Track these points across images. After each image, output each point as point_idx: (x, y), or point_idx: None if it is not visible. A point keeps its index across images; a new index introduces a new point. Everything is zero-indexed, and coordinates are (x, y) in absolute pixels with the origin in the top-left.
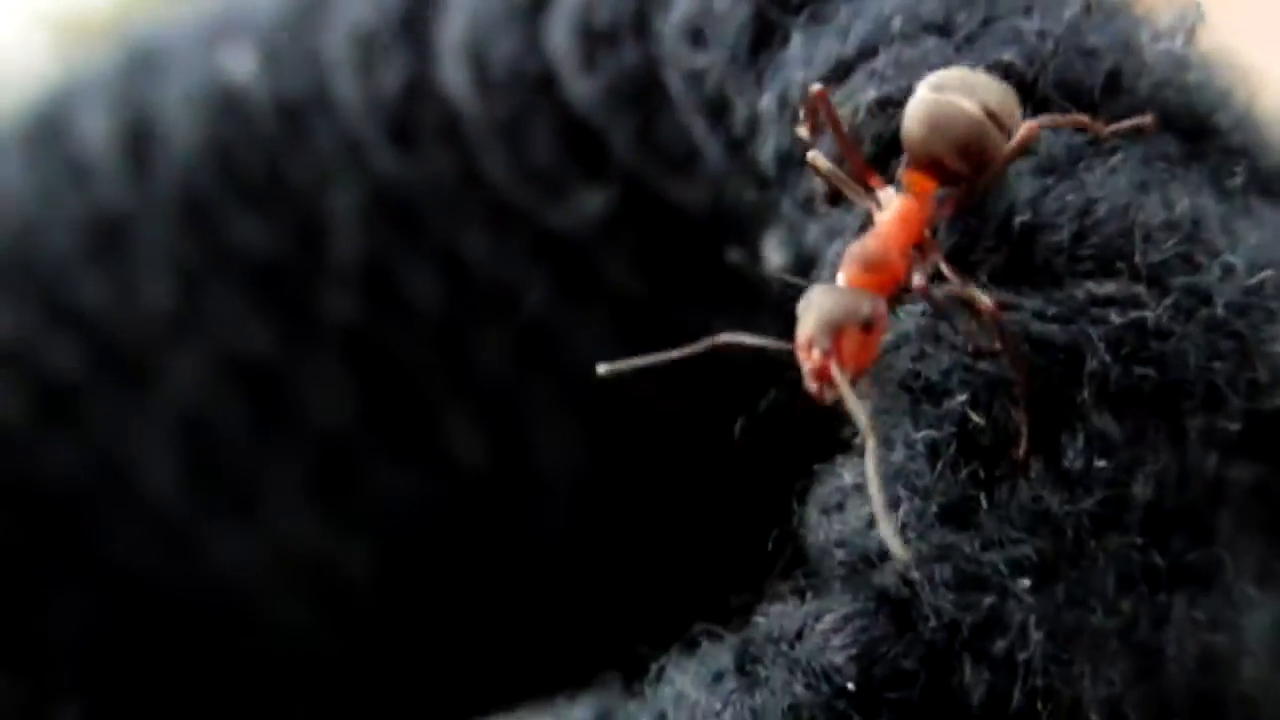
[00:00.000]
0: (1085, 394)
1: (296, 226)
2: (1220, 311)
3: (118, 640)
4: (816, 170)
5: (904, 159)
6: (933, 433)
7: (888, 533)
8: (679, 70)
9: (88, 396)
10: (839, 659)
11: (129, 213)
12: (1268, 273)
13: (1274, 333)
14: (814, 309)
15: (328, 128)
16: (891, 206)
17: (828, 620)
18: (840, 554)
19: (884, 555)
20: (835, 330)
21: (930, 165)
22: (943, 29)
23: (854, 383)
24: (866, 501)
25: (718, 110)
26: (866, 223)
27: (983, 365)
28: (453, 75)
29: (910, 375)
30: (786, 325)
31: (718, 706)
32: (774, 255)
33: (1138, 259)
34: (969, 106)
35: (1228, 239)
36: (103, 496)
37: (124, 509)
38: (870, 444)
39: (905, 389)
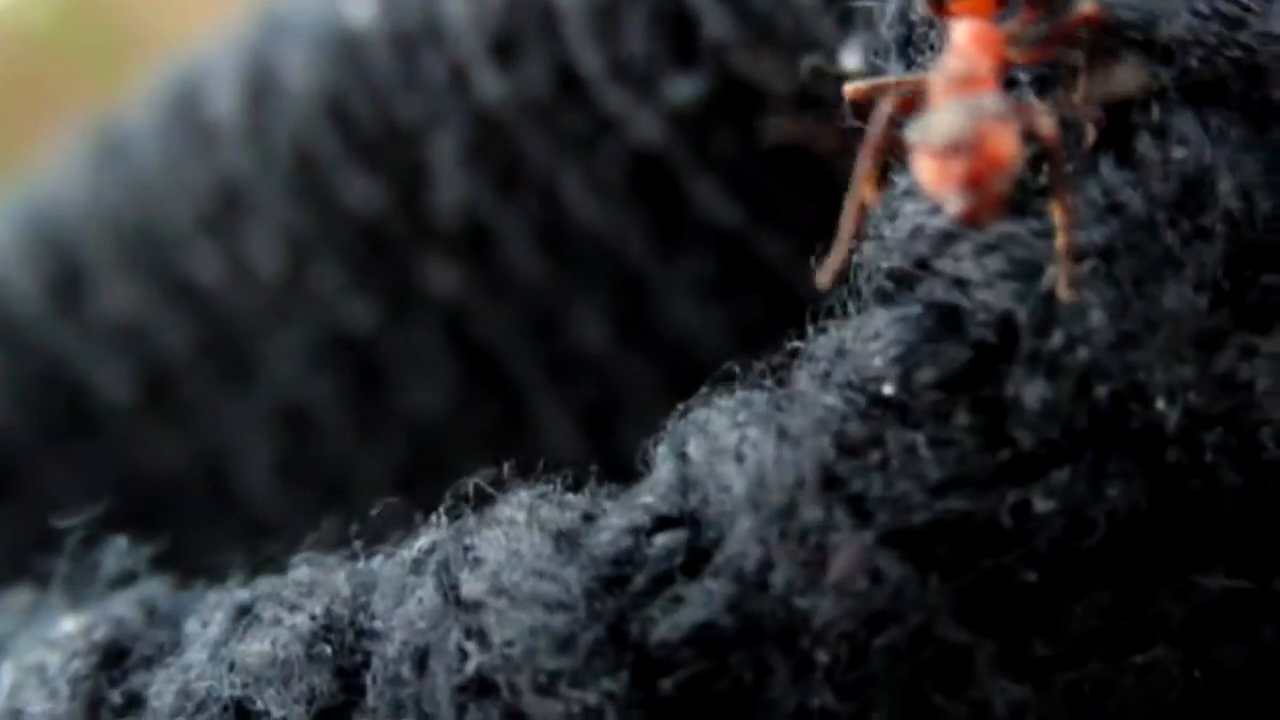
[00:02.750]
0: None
1: (401, 178)
2: None
3: None
4: None
5: None
6: None
7: None
8: None
9: (192, 381)
10: (878, 362)
11: (247, 178)
12: None
13: None
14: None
15: (436, 57)
16: (958, 30)
17: (869, 328)
18: (887, 262)
19: (928, 262)
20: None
21: None
22: None
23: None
24: (918, 208)
25: None
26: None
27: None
28: None
29: None
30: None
31: (742, 425)
32: (850, 61)
33: None
34: None
35: None
36: (196, 491)
37: (215, 505)
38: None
39: None
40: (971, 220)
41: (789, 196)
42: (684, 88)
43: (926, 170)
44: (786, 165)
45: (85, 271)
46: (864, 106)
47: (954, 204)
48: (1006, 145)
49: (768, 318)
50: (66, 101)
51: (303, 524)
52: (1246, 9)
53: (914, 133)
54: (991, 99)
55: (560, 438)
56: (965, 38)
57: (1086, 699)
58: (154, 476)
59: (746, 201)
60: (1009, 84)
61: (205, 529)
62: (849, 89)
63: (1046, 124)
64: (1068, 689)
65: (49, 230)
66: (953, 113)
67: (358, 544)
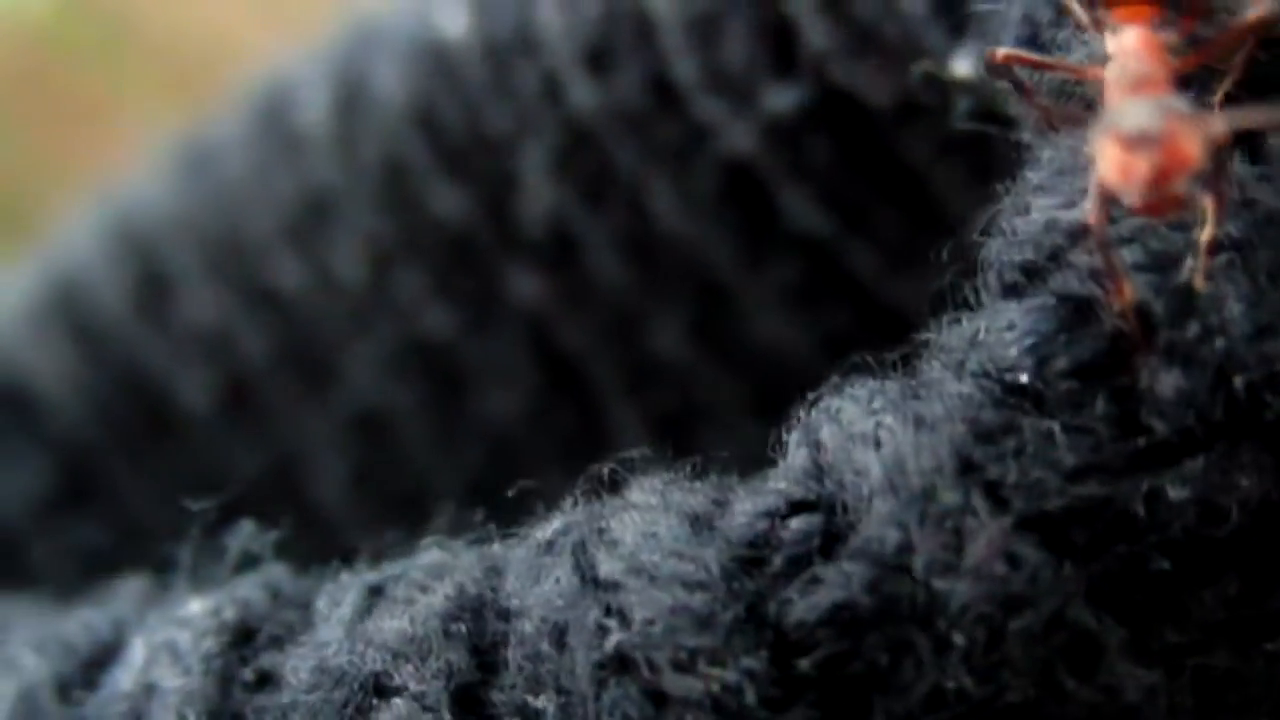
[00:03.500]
0: None
1: (489, 188)
2: None
3: None
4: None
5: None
6: None
7: None
8: None
9: (272, 390)
10: (1013, 351)
11: (333, 186)
12: None
13: None
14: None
15: (529, 67)
16: (1125, 36)
17: (1002, 319)
18: (1018, 256)
19: (1062, 254)
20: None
21: None
22: None
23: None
24: (1051, 202)
25: None
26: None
27: None
28: None
29: None
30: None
31: (878, 412)
32: (961, 68)
33: None
34: None
35: None
36: (272, 499)
37: (291, 514)
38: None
39: None
40: (1149, 213)
41: (879, 207)
42: (783, 98)
43: (1112, 161)
44: (878, 176)
45: (169, 280)
46: (1004, 71)
47: (1133, 198)
48: (1192, 144)
49: (854, 329)
50: (67, 95)
51: (378, 532)
52: None
53: (1103, 122)
54: (1175, 99)
55: (638, 447)
56: (1134, 42)
57: (1216, 686)
58: (231, 485)
59: (837, 212)
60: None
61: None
62: (998, 53)
63: (1219, 124)
64: (1197, 675)
65: (135, 239)
66: (1143, 108)
67: (486, 529)
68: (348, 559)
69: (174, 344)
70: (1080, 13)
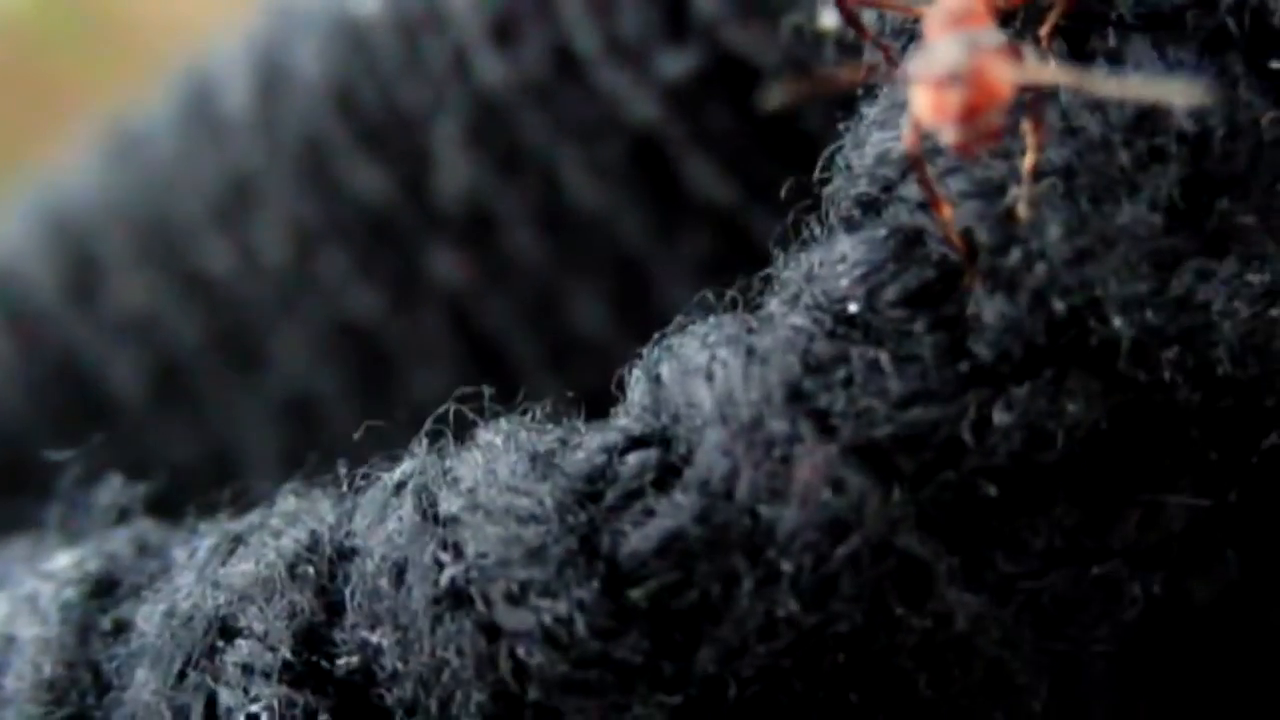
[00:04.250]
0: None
1: (406, 165)
2: None
3: None
4: None
5: None
6: None
7: None
8: None
9: (203, 374)
10: (844, 283)
11: (257, 169)
12: None
13: None
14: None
15: (438, 42)
16: None
17: (836, 252)
18: (854, 189)
19: (894, 186)
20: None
21: None
22: None
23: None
24: (884, 135)
25: None
26: None
27: None
28: None
29: None
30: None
31: (712, 346)
32: (827, 19)
33: None
34: None
35: None
36: (206, 481)
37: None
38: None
39: None
40: (966, 151)
41: (782, 174)
42: (677, 63)
43: (924, 102)
44: (779, 143)
45: (99, 265)
46: (854, 18)
47: (949, 135)
48: (1001, 78)
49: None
50: (51, 90)
51: None
52: None
53: (912, 65)
54: (986, 34)
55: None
56: None
57: (1046, 612)
58: (164, 468)
59: (741, 179)
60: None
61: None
62: None
63: (1033, 56)
64: (1027, 602)
65: (64, 225)
66: (950, 46)
67: (343, 474)
68: (213, 510)
69: (106, 329)
70: None
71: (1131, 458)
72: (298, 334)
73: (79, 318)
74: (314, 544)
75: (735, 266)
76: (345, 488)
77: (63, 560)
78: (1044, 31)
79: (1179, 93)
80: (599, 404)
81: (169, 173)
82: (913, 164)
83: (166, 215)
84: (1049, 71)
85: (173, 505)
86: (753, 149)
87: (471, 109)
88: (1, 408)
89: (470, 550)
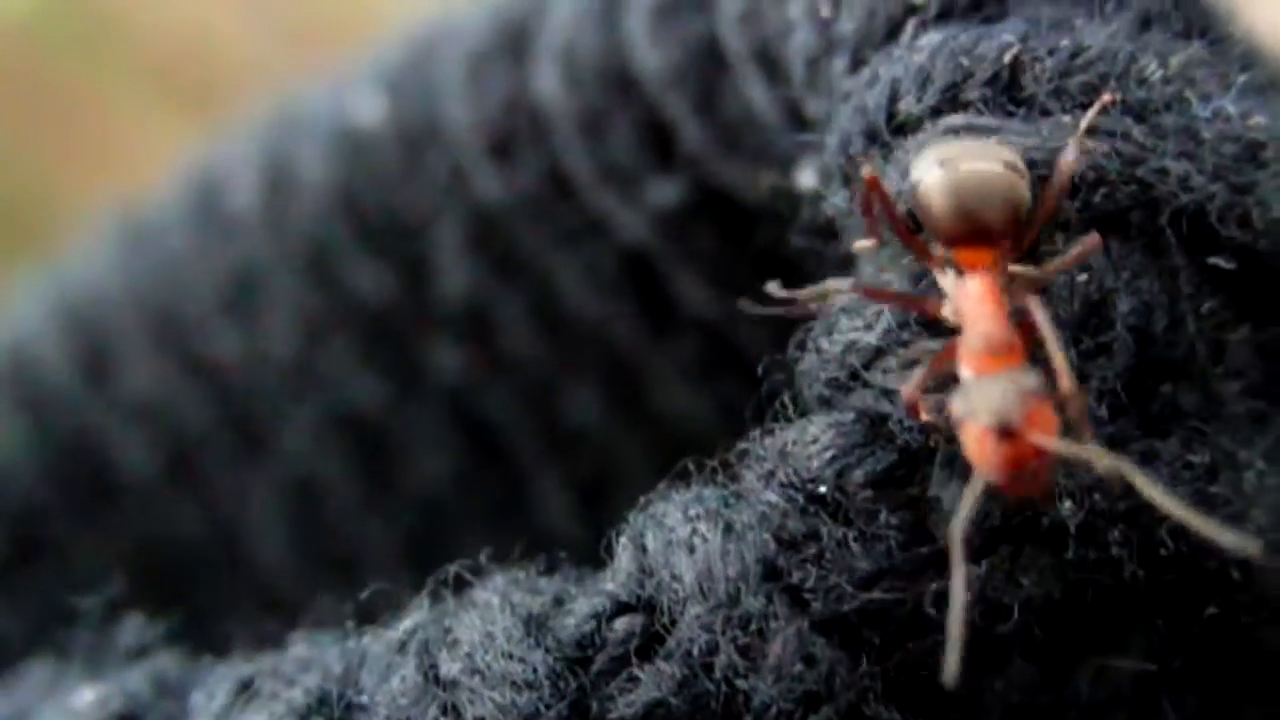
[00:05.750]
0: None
1: (407, 266)
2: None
3: None
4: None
5: (940, 238)
6: None
7: None
8: (737, 35)
9: (212, 455)
10: (815, 464)
11: (264, 264)
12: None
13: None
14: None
15: (438, 155)
16: (971, 288)
17: (808, 432)
18: (825, 373)
19: (860, 375)
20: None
21: (977, 235)
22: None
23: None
24: (855, 322)
25: (771, 66)
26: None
27: None
28: (546, 79)
29: None
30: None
31: (694, 520)
32: (805, 180)
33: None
34: (993, 167)
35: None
36: (213, 561)
37: (232, 575)
38: None
39: None
40: (1014, 493)
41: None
42: (664, 192)
43: (975, 447)
44: (763, 263)
45: (112, 351)
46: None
47: (1000, 480)
48: (1050, 430)
49: (748, 399)
50: (48, 92)
51: (315, 594)
52: (1144, 148)
53: (960, 405)
54: (1025, 376)
55: (559, 510)
56: (979, 293)
57: None
58: (173, 546)
59: (728, 296)
60: None
61: (223, 597)
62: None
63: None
64: None
65: (78, 311)
66: (998, 392)
67: (350, 624)
68: (223, 647)
69: (118, 413)
70: (909, 242)
71: (1082, 625)
72: (303, 420)
73: (92, 400)
74: (323, 696)
75: (720, 371)
76: (353, 636)
77: (87, 696)
78: (1073, 415)
79: (1227, 538)
80: (594, 494)
81: (179, 264)
82: (910, 410)
83: (177, 304)
84: (1093, 452)
85: (184, 578)
86: (738, 267)
87: (470, 218)
88: (16, 483)
89: (469, 714)
